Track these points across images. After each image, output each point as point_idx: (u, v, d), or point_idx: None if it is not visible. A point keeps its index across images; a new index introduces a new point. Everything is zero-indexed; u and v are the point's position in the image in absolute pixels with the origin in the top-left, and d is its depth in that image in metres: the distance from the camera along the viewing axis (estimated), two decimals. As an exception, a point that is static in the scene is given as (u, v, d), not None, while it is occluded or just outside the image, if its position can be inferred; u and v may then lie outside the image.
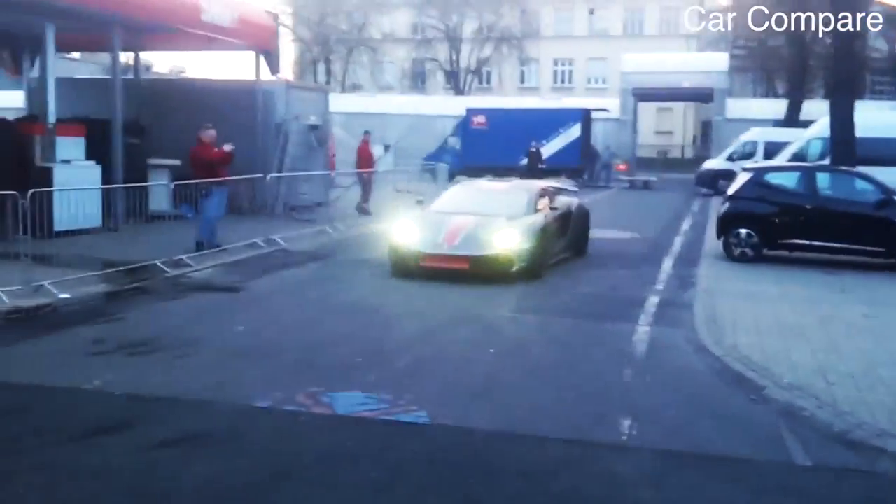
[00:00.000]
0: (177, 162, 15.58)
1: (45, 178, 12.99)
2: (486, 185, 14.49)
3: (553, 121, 34.40)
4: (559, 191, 14.41)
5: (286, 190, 18.63)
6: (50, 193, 11.78)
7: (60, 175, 13.42)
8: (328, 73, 56.18)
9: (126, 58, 18.55)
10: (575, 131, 34.18)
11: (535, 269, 11.64)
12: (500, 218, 11.89)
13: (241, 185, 16.45)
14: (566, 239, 13.09)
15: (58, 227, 12.20)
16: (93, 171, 14.21)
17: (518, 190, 13.36)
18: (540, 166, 30.73)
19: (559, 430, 5.87)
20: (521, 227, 11.68)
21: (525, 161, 30.36)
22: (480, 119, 34.93)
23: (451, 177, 29.86)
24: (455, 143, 34.96)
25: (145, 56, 21.88)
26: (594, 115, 36.42)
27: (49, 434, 5.58)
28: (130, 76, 18.88)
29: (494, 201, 12.68)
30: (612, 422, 6.10)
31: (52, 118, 13.91)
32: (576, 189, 15.52)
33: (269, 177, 17.07)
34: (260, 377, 6.99)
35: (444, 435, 5.79)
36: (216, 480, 4.93)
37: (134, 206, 12.96)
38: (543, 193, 13.13)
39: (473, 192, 13.52)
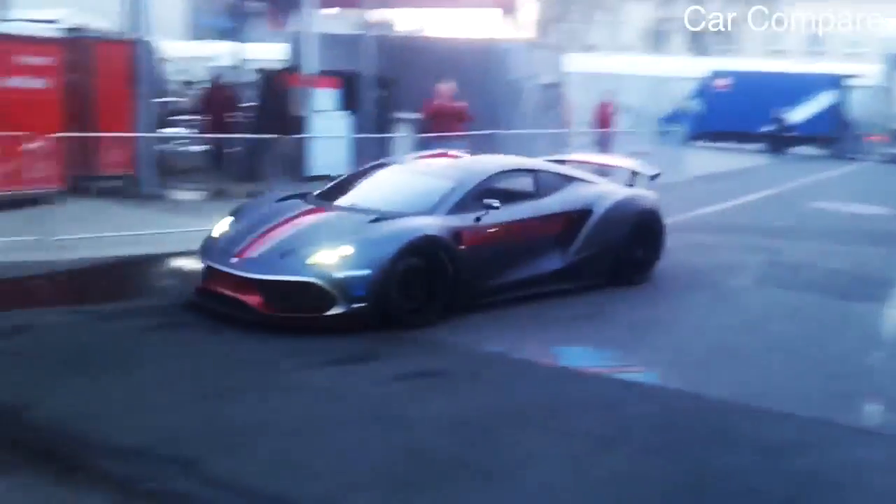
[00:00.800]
0: (420, 116, 16.19)
1: (301, 125, 14.00)
2: (421, 164, 8.73)
3: (803, 87, 32.11)
4: (573, 172, 8.97)
5: (520, 148, 18.79)
6: (305, 140, 12.68)
7: (315, 123, 14.37)
8: (566, 32, 55.74)
9: (375, 15, 19.36)
10: (827, 98, 31.77)
11: (391, 312, 6.66)
12: (364, 216, 7.19)
13: (474, 141, 16.82)
14: (568, 255, 8.18)
15: (310, 171, 13.10)
16: (344, 121, 15.10)
17: (450, 171, 8.14)
18: (785, 134, 29.10)
19: (799, 408, 5.57)
20: (366, 237, 6.80)
21: (769, 128, 28.81)
22: (724, 82, 33.29)
23: (688, 140, 28.90)
24: (693, 105, 33.66)
25: (389, 13, 22.72)
26: (849, 81, 33.67)
27: (301, 357, 6.03)
28: (379, 33, 19.71)
29: (401, 190, 7.95)
30: (857, 405, 5.73)
31: (309, 70, 14.88)
32: (656, 172, 10.12)
33: (498, 133, 17.28)
34: (532, 323, 7.20)
35: (675, 399, 5.69)
36: (450, 415, 5.16)
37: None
38: (498, 180, 8.03)
39: (389, 174, 8.50)
